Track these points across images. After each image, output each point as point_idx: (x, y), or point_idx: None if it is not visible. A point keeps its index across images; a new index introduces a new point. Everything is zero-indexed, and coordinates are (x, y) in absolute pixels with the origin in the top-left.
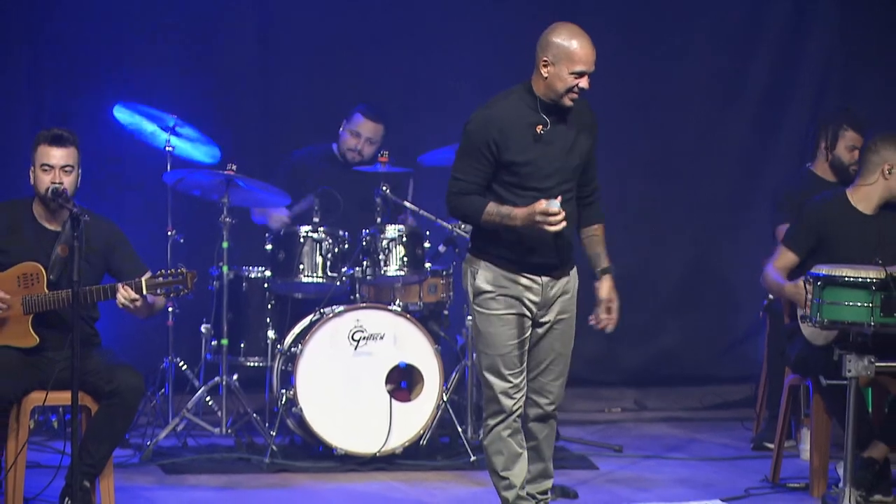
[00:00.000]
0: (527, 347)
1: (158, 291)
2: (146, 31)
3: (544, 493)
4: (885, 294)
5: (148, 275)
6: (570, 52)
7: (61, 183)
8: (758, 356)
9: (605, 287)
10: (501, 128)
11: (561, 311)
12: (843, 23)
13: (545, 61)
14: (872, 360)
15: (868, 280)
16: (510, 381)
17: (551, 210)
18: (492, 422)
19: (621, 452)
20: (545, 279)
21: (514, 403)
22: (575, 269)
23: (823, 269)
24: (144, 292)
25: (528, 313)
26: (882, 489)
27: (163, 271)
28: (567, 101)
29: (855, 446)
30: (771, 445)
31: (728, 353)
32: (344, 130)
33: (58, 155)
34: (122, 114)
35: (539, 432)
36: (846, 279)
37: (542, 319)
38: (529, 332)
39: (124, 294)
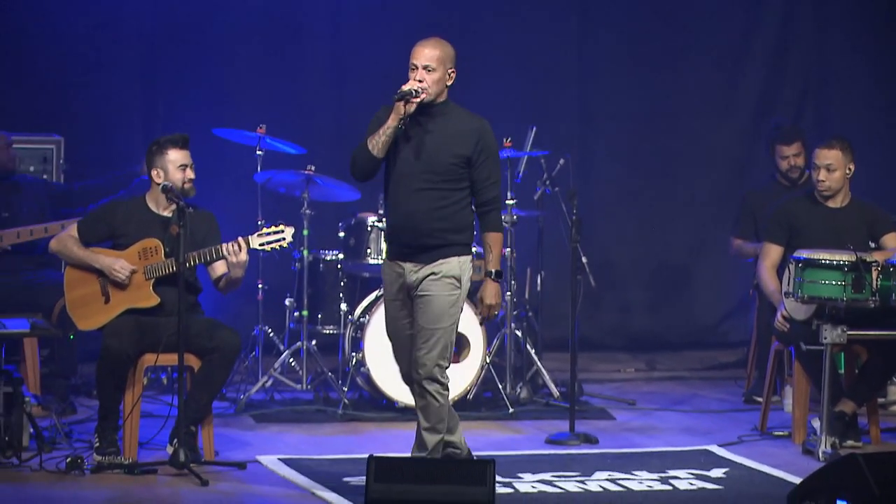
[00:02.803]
0: (407, 322)
1: (264, 245)
2: (237, 48)
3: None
4: (855, 274)
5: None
6: (412, 51)
7: (193, 178)
8: (748, 326)
9: (482, 287)
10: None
11: (424, 288)
12: (820, 46)
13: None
14: (845, 329)
15: (841, 262)
16: (399, 353)
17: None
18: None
19: (635, 405)
20: (408, 265)
21: (408, 374)
22: (455, 259)
23: (804, 254)
24: (252, 246)
25: (398, 297)
26: (852, 436)
27: (265, 228)
28: (417, 90)
29: (829, 402)
30: (759, 400)
31: (723, 323)
32: None
33: (188, 155)
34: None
35: (416, 401)
36: (823, 261)
37: (414, 299)
38: (408, 314)
39: (233, 247)
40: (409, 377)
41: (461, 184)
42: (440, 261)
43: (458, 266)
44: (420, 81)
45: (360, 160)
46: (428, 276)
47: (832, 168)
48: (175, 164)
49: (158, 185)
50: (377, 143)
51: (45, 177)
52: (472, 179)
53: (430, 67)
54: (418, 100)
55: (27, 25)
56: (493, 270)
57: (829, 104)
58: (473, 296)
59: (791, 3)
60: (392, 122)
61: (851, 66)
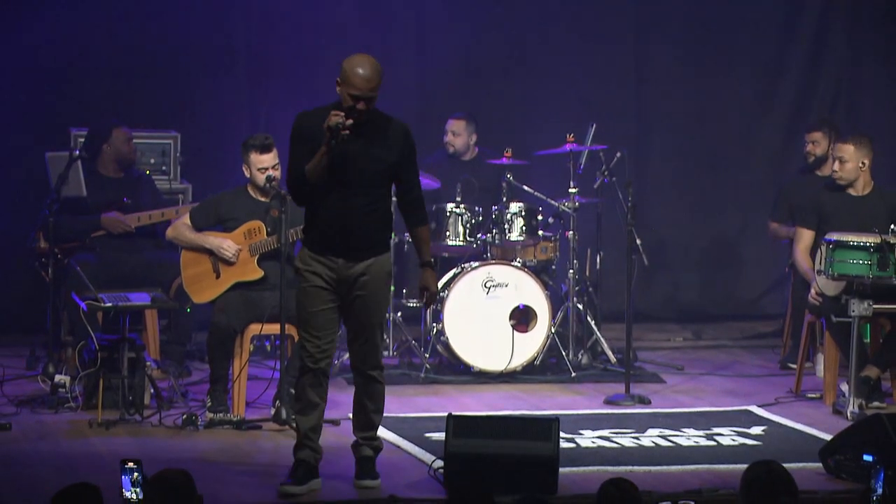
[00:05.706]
0: (332, 316)
1: None
2: (330, 53)
3: (368, 438)
4: (880, 254)
5: None
6: (350, 77)
7: (274, 177)
8: (784, 300)
9: (422, 276)
10: (311, 128)
11: (360, 288)
12: (851, 52)
13: (337, 80)
14: (870, 303)
15: (868, 244)
16: (314, 340)
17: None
18: (302, 373)
19: (683, 371)
20: (340, 261)
21: (317, 361)
22: (383, 256)
23: (834, 236)
24: None
25: (327, 287)
26: (877, 398)
27: None
28: (346, 125)
29: (856, 368)
30: (794, 366)
31: (763, 297)
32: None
33: (267, 159)
34: None
35: (360, 387)
36: (851, 243)
37: (346, 295)
38: (334, 304)
39: None
40: (316, 365)
41: (386, 187)
42: (372, 259)
43: (388, 261)
44: (358, 114)
45: (300, 188)
46: (363, 275)
47: (844, 160)
48: (255, 167)
49: (248, 178)
50: (314, 172)
51: (163, 168)
52: (399, 180)
53: (373, 98)
54: (346, 132)
55: (149, 30)
56: (430, 260)
57: (859, 107)
58: (540, 274)
59: (824, 16)
60: (325, 151)
61: (880, 72)
